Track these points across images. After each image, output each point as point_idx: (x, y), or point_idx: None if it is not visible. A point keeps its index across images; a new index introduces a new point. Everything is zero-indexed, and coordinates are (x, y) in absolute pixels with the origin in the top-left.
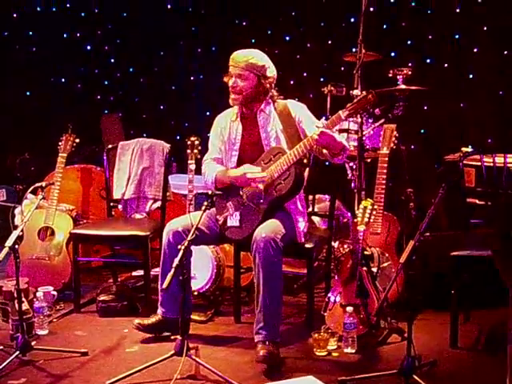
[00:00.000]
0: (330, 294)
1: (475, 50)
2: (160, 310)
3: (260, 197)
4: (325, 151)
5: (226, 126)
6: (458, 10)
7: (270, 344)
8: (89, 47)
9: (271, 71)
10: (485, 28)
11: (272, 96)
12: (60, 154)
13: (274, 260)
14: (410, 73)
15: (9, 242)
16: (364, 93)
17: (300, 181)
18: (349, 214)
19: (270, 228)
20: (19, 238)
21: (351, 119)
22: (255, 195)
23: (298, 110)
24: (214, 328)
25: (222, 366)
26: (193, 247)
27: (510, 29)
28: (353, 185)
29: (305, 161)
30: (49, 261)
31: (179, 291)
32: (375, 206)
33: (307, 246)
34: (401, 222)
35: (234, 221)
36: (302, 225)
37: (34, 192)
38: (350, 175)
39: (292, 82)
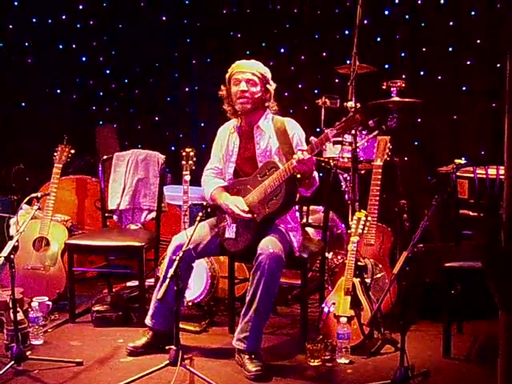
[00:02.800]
0: (323, 305)
1: (468, 63)
2: (150, 322)
3: (254, 211)
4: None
5: (225, 137)
6: (451, 23)
7: (254, 356)
8: (84, 58)
9: (271, 81)
10: (478, 41)
11: (271, 107)
12: (55, 165)
13: (276, 276)
14: (403, 85)
15: (4, 253)
16: (351, 113)
17: (291, 198)
18: (342, 226)
19: (276, 244)
20: (14, 249)
21: None
22: (250, 209)
23: (294, 129)
24: (209, 338)
25: (216, 376)
26: (196, 261)
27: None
28: (347, 196)
29: (298, 176)
30: (44, 271)
31: (172, 302)
32: (369, 218)
33: (301, 256)
34: (394, 234)
35: (230, 232)
36: (296, 239)
37: (30, 202)
38: (343, 187)
39: (286, 94)
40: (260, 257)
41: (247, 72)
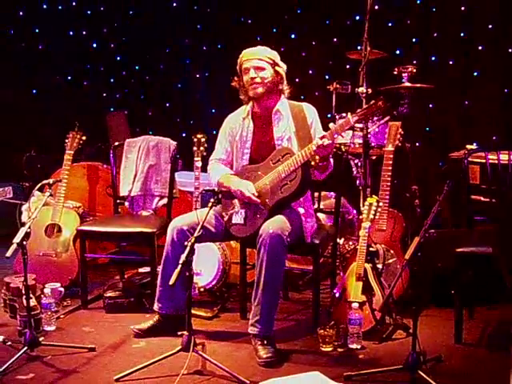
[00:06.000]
0: (335, 291)
1: (480, 48)
2: (157, 306)
3: (266, 196)
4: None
5: (237, 124)
6: (463, 9)
7: (267, 342)
8: (95, 45)
9: (281, 62)
10: (489, 26)
11: (285, 90)
12: (67, 152)
13: (278, 256)
14: (414, 71)
15: (17, 239)
16: (373, 100)
17: (306, 183)
18: (354, 211)
19: (278, 224)
20: (27, 235)
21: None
22: (262, 195)
23: (313, 115)
24: (221, 324)
25: (228, 362)
26: (197, 245)
27: None
28: (358, 182)
29: (312, 163)
30: (56, 257)
31: (180, 288)
32: (380, 203)
33: (313, 242)
34: (406, 219)
35: (238, 218)
36: (310, 225)
37: (41, 189)
38: (355, 172)
39: (297, 80)
40: (261, 238)
41: (254, 59)
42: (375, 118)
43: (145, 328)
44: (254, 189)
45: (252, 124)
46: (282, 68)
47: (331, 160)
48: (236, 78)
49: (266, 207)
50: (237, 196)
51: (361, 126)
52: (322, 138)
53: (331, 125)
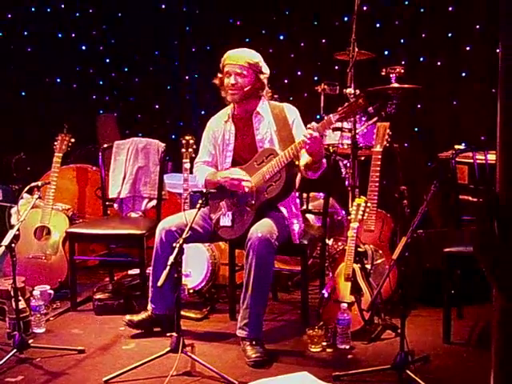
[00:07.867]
0: (324, 291)
1: (468, 49)
2: (150, 307)
3: (252, 197)
4: (301, 163)
5: (219, 127)
6: (450, 9)
7: (256, 343)
8: (84, 47)
9: (265, 67)
10: (477, 26)
11: (265, 94)
12: (56, 154)
13: (267, 260)
14: (402, 71)
15: (5, 241)
16: (354, 98)
17: (291, 183)
18: (343, 212)
19: (266, 228)
20: (16, 238)
21: None
22: (247, 195)
23: (294, 115)
24: (210, 325)
25: (217, 363)
26: (185, 245)
27: None
28: (346, 182)
29: (297, 163)
30: (45, 260)
31: (170, 288)
32: (369, 204)
33: (301, 243)
34: (394, 220)
35: (226, 220)
36: (296, 226)
37: (30, 191)
38: (343, 173)
39: (286, 81)
40: (249, 241)
41: (236, 65)
42: (363, 119)
43: (135, 320)
44: (240, 172)
45: (233, 127)
46: (265, 74)
47: (324, 159)
48: (219, 75)
49: (251, 208)
50: (227, 185)
51: (349, 126)
52: (312, 128)
53: (313, 123)
